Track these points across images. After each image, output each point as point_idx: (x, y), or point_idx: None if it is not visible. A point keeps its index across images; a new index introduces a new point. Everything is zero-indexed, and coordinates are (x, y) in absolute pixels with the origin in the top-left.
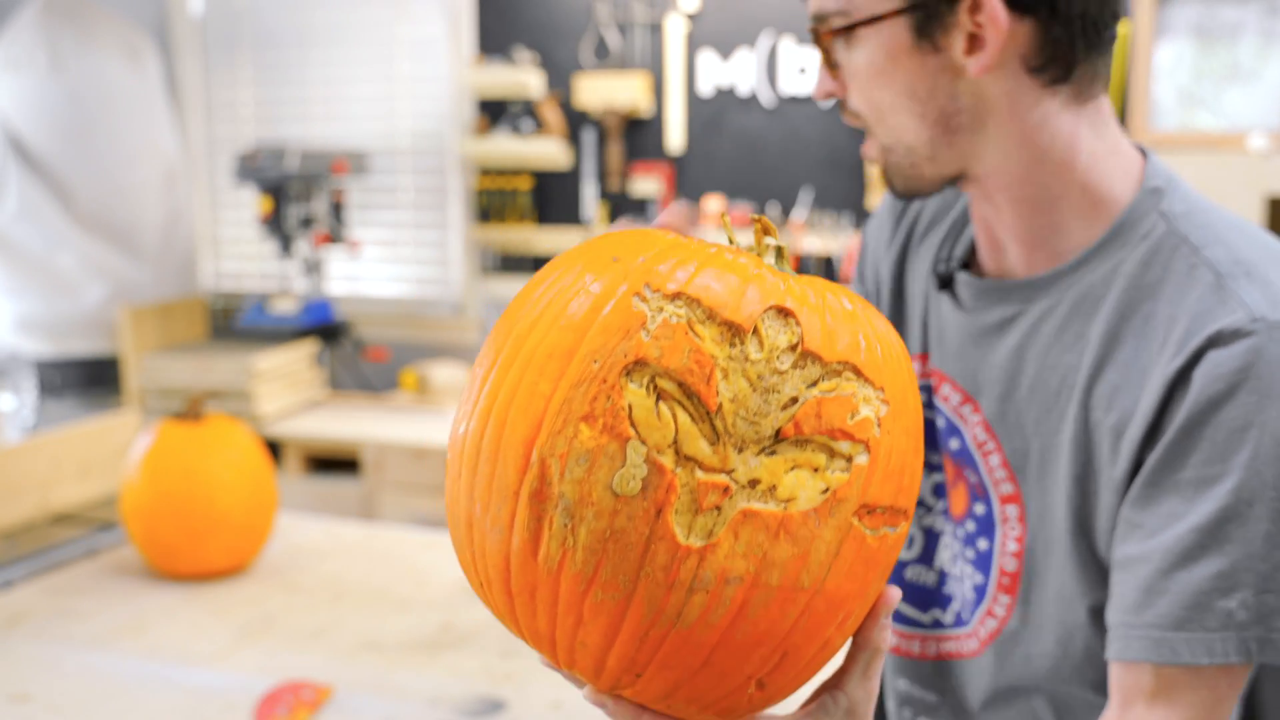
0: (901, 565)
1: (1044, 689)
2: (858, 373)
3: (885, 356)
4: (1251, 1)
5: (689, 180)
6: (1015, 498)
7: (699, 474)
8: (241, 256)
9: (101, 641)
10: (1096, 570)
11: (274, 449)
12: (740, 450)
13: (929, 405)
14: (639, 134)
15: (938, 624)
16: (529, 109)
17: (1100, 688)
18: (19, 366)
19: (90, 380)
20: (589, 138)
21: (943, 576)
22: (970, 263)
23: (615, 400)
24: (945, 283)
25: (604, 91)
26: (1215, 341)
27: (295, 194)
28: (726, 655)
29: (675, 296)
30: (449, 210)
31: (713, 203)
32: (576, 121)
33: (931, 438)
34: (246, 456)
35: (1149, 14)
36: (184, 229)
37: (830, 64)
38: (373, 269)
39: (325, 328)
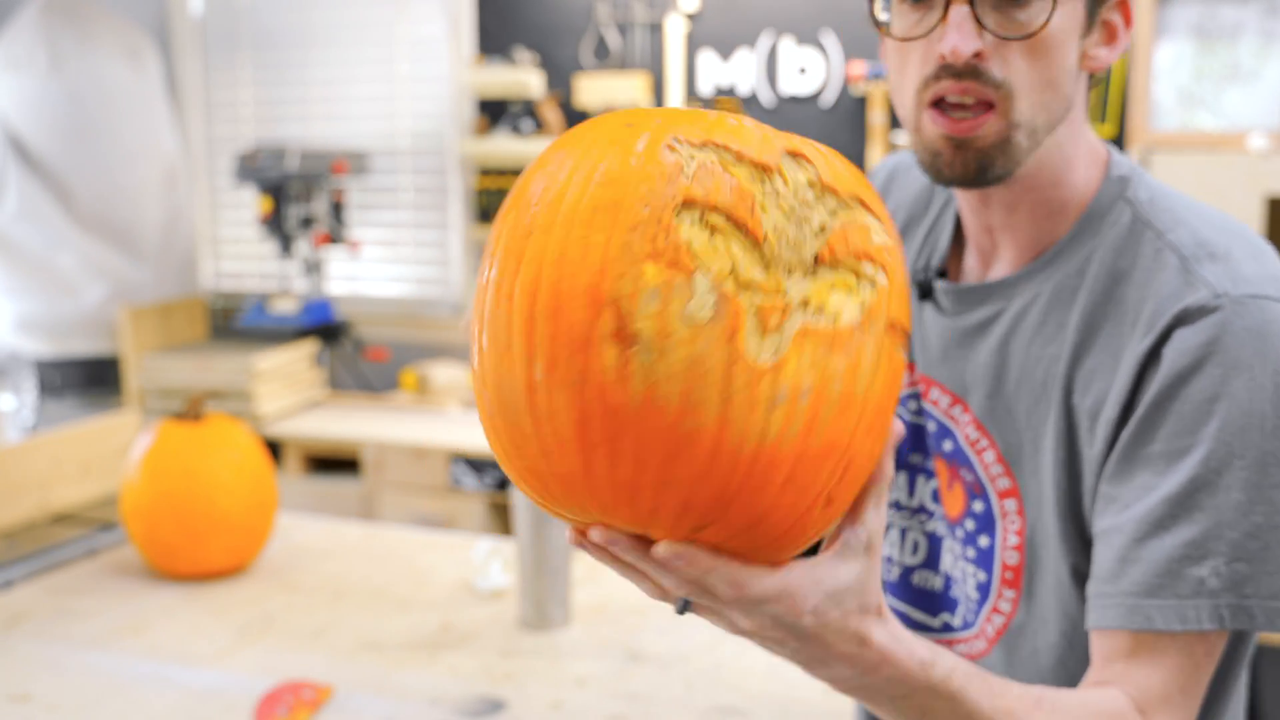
0: (909, 570)
1: (1052, 682)
2: (864, 205)
3: (875, 194)
4: (1251, 1)
5: None
6: (1013, 491)
7: (759, 298)
8: (241, 256)
9: (102, 641)
10: (1086, 556)
11: (274, 449)
12: (789, 274)
13: (919, 412)
14: None
15: (947, 627)
16: (529, 109)
17: (1076, 663)
18: (19, 366)
19: (90, 380)
20: None
21: (948, 580)
22: (945, 270)
23: (674, 237)
24: (926, 292)
25: (604, 91)
26: (1182, 319)
27: (295, 194)
28: (805, 469)
29: (704, 145)
30: (449, 210)
31: None
32: (576, 121)
33: (923, 443)
34: (247, 456)
35: (1149, 14)
36: (184, 229)
37: (981, 24)
38: (373, 269)
39: (325, 328)
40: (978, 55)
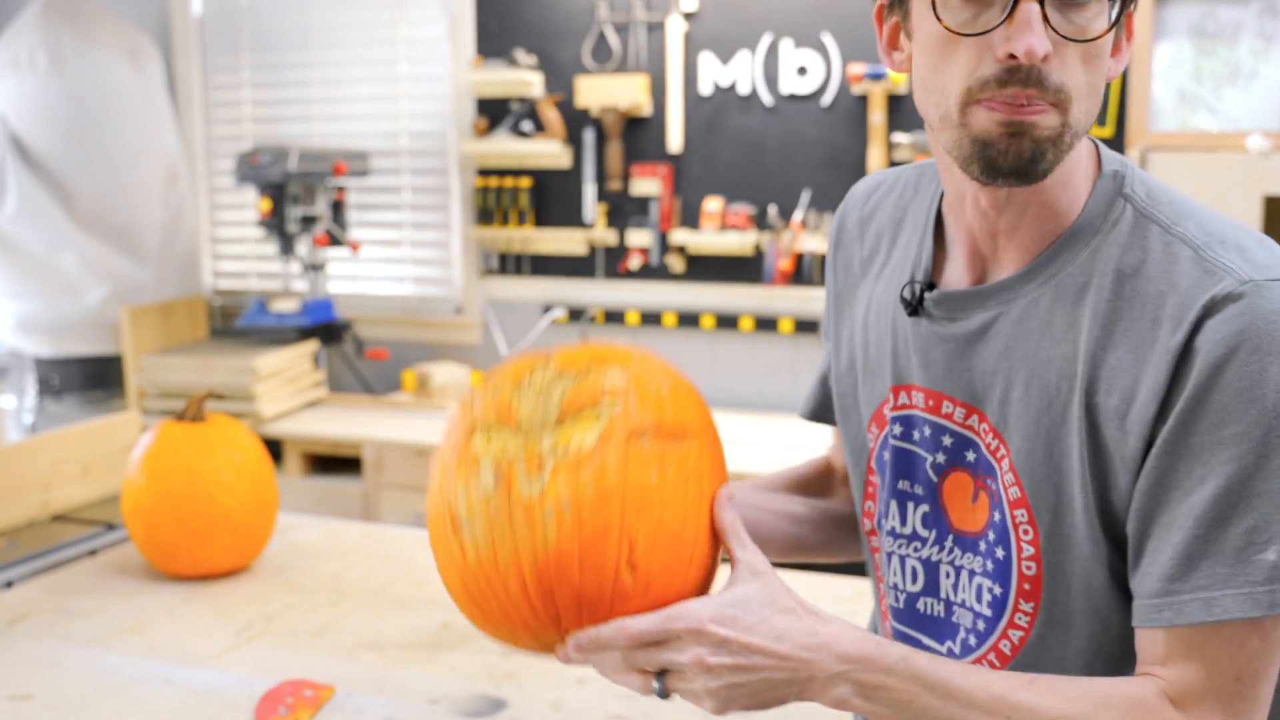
0: (913, 597)
1: None
2: (601, 365)
3: (625, 357)
4: (1250, 2)
5: (688, 180)
6: (1023, 501)
7: (523, 457)
8: (242, 256)
9: (102, 641)
10: (1121, 552)
11: (274, 449)
12: (543, 434)
13: (906, 437)
14: (639, 134)
15: (951, 654)
16: (529, 109)
17: (1109, 664)
18: (20, 366)
19: (91, 380)
20: (589, 138)
21: (948, 606)
22: (932, 283)
23: (469, 451)
24: (915, 307)
25: (604, 92)
26: (1211, 310)
27: (295, 194)
28: (591, 552)
29: (484, 392)
30: (449, 210)
31: (711, 203)
32: (576, 122)
33: (908, 469)
34: (247, 456)
35: (1148, 15)
36: (185, 229)
37: (1050, 26)
38: (373, 269)
39: (325, 328)
40: (1044, 58)
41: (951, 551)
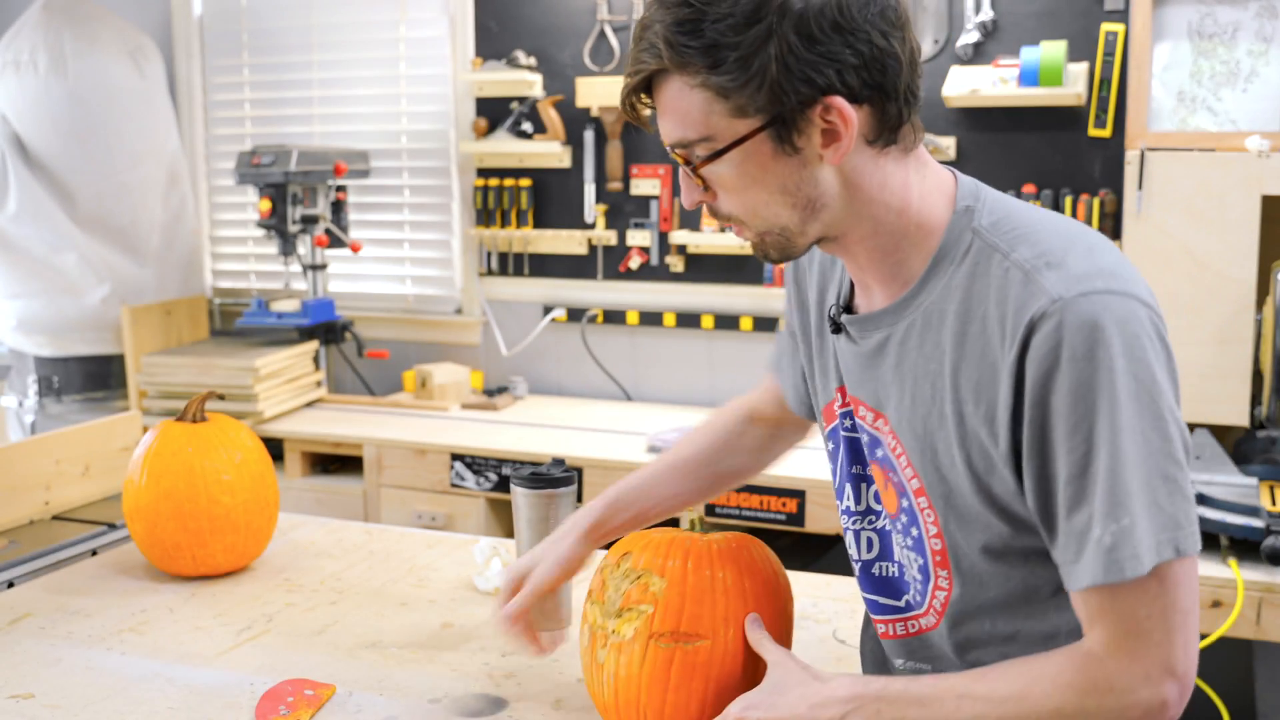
0: (868, 564)
1: (1000, 630)
2: (653, 570)
3: (673, 557)
4: (1249, 2)
5: None
6: (922, 490)
7: (600, 631)
8: (242, 256)
9: (103, 640)
10: (1011, 526)
11: (274, 449)
12: (611, 617)
13: (852, 429)
14: (639, 134)
15: (908, 605)
16: (529, 109)
17: (1034, 602)
18: (21, 366)
19: (92, 380)
20: (589, 138)
21: (900, 568)
22: (850, 306)
23: (585, 612)
24: (836, 327)
25: (604, 92)
26: (1033, 327)
27: (295, 194)
28: (624, 714)
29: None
30: (449, 210)
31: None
32: (576, 122)
33: (860, 454)
34: (248, 456)
35: (1146, 16)
36: (186, 229)
37: (699, 180)
38: (373, 269)
39: (326, 328)
40: (703, 201)
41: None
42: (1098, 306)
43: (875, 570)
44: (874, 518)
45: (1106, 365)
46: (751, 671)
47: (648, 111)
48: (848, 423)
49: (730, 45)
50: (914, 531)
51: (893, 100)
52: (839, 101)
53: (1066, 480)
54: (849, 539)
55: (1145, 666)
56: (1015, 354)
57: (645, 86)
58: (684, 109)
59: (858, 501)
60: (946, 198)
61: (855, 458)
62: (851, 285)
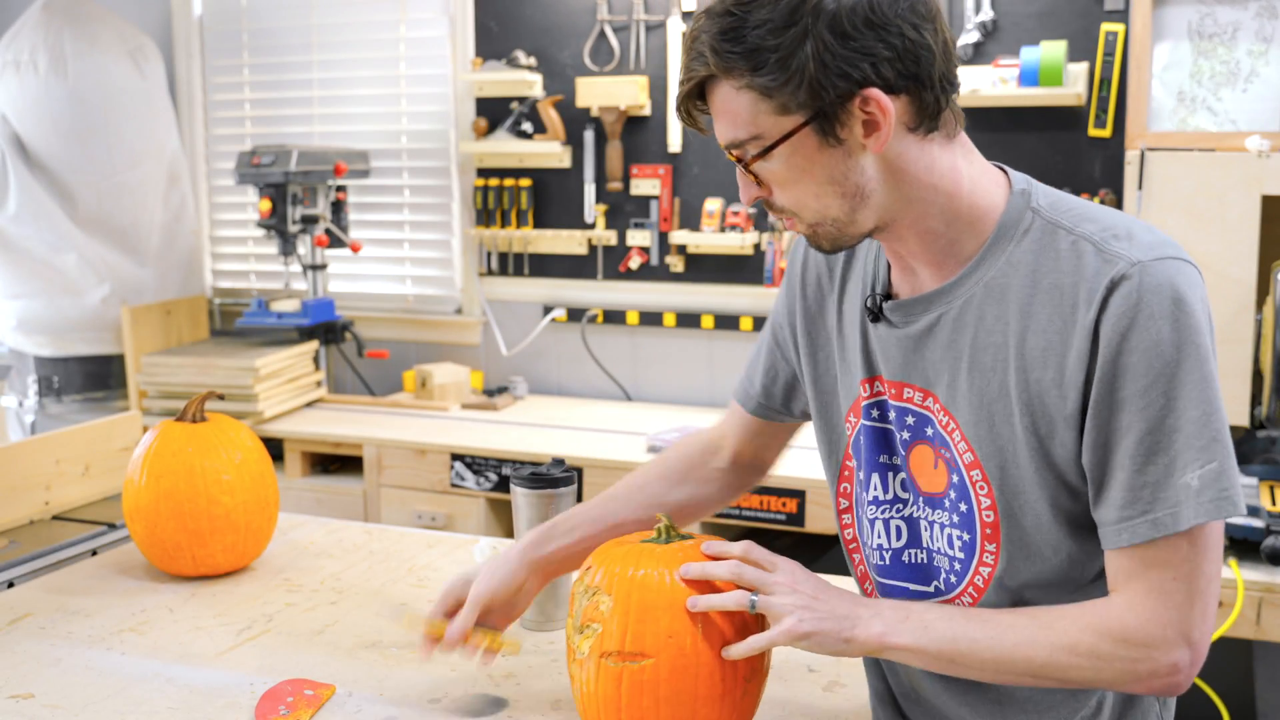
0: (898, 552)
1: (1041, 599)
2: (604, 590)
3: (624, 573)
4: (1249, 3)
5: (688, 181)
6: (976, 463)
7: (570, 645)
8: (242, 256)
9: (103, 640)
10: (1066, 493)
11: (274, 449)
12: (574, 632)
13: (883, 419)
14: (639, 134)
15: (939, 591)
16: (529, 109)
17: (1073, 583)
18: (21, 366)
19: (92, 380)
20: (589, 138)
21: (930, 554)
22: (889, 293)
23: (568, 623)
24: (876, 315)
25: (604, 92)
26: (1112, 289)
27: (295, 194)
28: (589, 710)
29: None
30: (449, 210)
31: (711, 203)
32: (576, 122)
33: (889, 445)
34: (248, 456)
35: (1146, 16)
36: (186, 229)
37: (753, 176)
38: (373, 269)
39: (326, 328)
40: (760, 197)
41: (924, 509)
42: (1171, 270)
43: (905, 557)
44: (902, 505)
45: (1184, 324)
46: (707, 685)
47: (705, 117)
48: (875, 412)
49: (770, 48)
50: (963, 507)
51: (928, 89)
52: (876, 93)
53: (1141, 434)
54: (873, 530)
55: (1164, 627)
56: (1094, 315)
57: (698, 93)
58: (733, 110)
59: (885, 490)
60: (997, 183)
61: (883, 447)
62: (888, 276)
